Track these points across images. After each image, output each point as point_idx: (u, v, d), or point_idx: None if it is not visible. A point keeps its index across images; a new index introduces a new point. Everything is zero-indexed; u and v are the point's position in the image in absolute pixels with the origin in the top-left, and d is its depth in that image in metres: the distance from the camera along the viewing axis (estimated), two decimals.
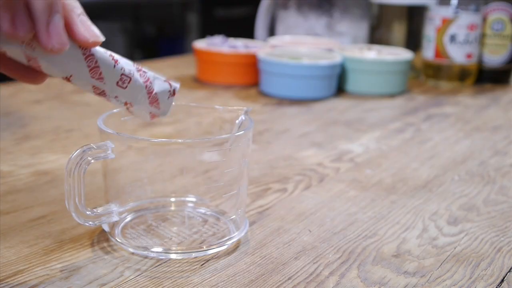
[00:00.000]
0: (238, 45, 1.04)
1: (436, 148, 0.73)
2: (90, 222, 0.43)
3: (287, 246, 0.47)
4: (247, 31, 1.37)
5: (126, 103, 0.42)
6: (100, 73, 0.40)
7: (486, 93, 1.06)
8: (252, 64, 1.00)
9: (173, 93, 0.43)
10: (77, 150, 0.41)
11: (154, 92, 0.42)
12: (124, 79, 0.41)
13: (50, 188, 0.56)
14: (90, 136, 0.71)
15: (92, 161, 0.41)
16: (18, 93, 0.90)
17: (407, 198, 0.57)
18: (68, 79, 0.40)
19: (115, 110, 0.47)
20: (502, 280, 0.43)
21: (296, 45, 1.05)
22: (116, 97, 0.41)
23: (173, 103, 0.44)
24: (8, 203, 0.52)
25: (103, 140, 0.43)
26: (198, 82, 1.04)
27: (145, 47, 2.70)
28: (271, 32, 1.22)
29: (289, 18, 1.17)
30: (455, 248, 0.48)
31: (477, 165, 0.67)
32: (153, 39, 2.76)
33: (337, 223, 0.51)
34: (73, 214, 0.42)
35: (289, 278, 0.42)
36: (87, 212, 0.42)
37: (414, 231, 0.50)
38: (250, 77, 1.01)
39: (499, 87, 1.10)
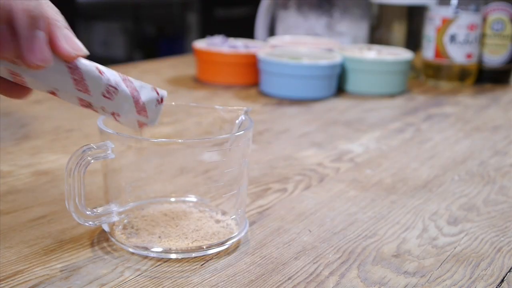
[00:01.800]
0: (238, 45, 1.04)
1: (436, 148, 0.73)
2: (90, 222, 0.43)
3: (287, 246, 0.47)
4: (247, 31, 1.37)
5: (113, 113, 0.42)
6: (86, 86, 0.40)
7: (486, 93, 1.06)
8: (252, 64, 1.00)
9: (160, 101, 0.43)
10: (77, 150, 0.41)
11: (141, 102, 0.42)
12: (110, 90, 0.41)
13: (50, 188, 0.56)
14: (90, 136, 0.71)
15: (92, 161, 0.41)
16: None
17: (407, 198, 0.57)
18: (53, 93, 0.40)
19: None
20: (502, 280, 0.43)
21: (296, 45, 1.05)
22: (102, 108, 0.41)
23: (161, 111, 0.44)
24: (8, 203, 0.52)
25: (103, 140, 0.43)
26: (198, 82, 1.04)
27: (145, 47, 2.70)
28: (271, 32, 1.22)
29: (289, 18, 1.17)
30: (455, 248, 0.48)
31: (477, 165, 0.67)
32: (153, 39, 2.77)
33: (337, 223, 0.51)
34: (73, 214, 0.42)
35: (289, 278, 0.42)
36: (87, 212, 0.42)
37: (414, 231, 0.50)
38: (250, 77, 1.01)
39: (499, 87, 1.10)
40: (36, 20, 0.36)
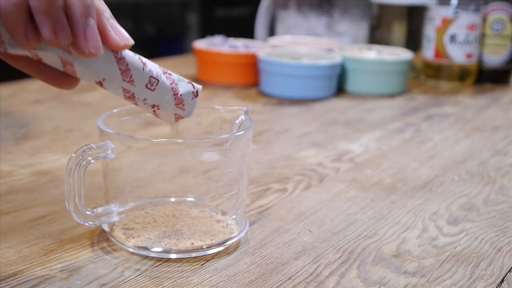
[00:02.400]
0: (238, 45, 1.04)
1: (436, 148, 0.73)
2: (90, 222, 0.43)
3: (287, 246, 0.47)
4: (247, 31, 1.37)
5: (153, 106, 0.43)
6: (131, 76, 0.41)
7: (486, 93, 1.06)
8: (252, 64, 1.00)
9: (196, 94, 0.44)
10: (77, 150, 0.41)
11: (179, 94, 0.43)
12: (153, 82, 0.42)
13: (50, 188, 0.56)
14: (90, 136, 0.71)
15: (92, 161, 0.41)
16: (18, 93, 0.90)
17: (407, 198, 0.57)
18: (100, 83, 0.41)
19: (115, 110, 0.47)
20: (502, 280, 0.43)
21: (296, 45, 1.05)
22: (144, 99, 0.42)
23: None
24: (8, 203, 0.52)
25: (103, 140, 0.43)
26: (198, 82, 1.04)
27: (145, 47, 2.70)
28: (271, 32, 1.22)
29: (289, 18, 1.17)
30: (455, 248, 0.48)
31: (477, 165, 0.67)
32: (153, 39, 2.76)
33: (337, 223, 0.51)
34: (73, 214, 0.42)
35: (289, 278, 0.42)
36: (87, 212, 0.42)
37: (414, 231, 0.50)
38: (250, 77, 1.01)
39: (499, 87, 1.10)
40: (89, 8, 0.37)
